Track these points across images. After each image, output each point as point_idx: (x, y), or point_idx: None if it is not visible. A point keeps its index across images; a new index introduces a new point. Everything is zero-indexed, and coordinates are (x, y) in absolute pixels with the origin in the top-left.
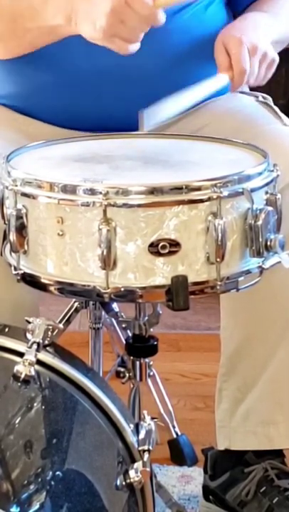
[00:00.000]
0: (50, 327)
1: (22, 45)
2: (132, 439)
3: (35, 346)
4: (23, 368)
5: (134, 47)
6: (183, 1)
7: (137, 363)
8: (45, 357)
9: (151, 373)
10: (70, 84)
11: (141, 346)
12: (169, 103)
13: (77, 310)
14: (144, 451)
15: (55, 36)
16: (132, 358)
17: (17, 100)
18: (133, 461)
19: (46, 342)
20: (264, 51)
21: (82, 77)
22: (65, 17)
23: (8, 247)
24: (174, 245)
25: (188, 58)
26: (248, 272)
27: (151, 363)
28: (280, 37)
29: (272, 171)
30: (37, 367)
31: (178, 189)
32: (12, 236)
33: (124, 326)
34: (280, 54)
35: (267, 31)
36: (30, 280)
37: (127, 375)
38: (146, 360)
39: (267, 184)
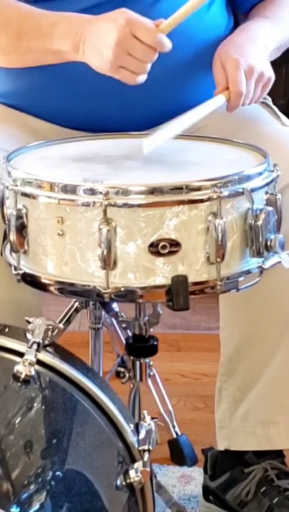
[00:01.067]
0: (50, 327)
1: (24, 61)
2: (132, 439)
3: (35, 346)
4: (23, 368)
5: (142, 77)
6: (184, 17)
7: (137, 363)
8: (45, 357)
9: (151, 373)
10: (69, 84)
11: (141, 346)
12: (167, 131)
13: (77, 310)
14: (144, 451)
15: (60, 59)
16: (132, 358)
17: (19, 99)
18: (133, 461)
19: (46, 342)
20: (260, 71)
21: (82, 77)
22: (73, 45)
23: (8, 247)
24: (174, 245)
25: (188, 58)
26: (248, 272)
27: (151, 363)
28: (282, 42)
29: (273, 171)
30: (37, 367)
31: (178, 189)
32: (12, 236)
33: (124, 326)
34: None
35: (266, 42)
36: (31, 280)
37: (127, 375)
38: (147, 360)
39: (267, 184)
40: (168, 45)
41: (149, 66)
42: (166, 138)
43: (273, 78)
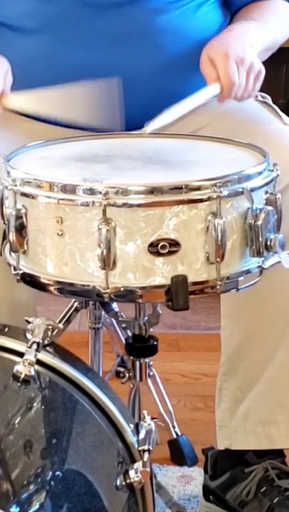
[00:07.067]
0: (50, 327)
1: None
2: (132, 439)
3: (35, 346)
4: (23, 368)
5: None
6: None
7: (137, 363)
8: (45, 357)
9: (151, 373)
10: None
11: (141, 346)
12: (169, 114)
13: (77, 310)
14: (144, 451)
15: None
16: (132, 358)
17: None
18: (133, 461)
19: (46, 342)
20: (251, 62)
21: (79, 76)
22: None
23: (7, 247)
24: (173, 245)
25: (180, 57)
26: (248, 271)
27: (151, 363)
28: (269, 45)
29: (272, 170)
30: (37, 367)
31: (178, 189)
32: (11, 236)
33: (124, 326)
34: (280, 54)
35: (254, 41)
36: (30, 280)
37: (127, 375)
38: (146, 360)
39: (267, 184)
40: None
41: None
42: (168, 120)
43: (264, 71)
